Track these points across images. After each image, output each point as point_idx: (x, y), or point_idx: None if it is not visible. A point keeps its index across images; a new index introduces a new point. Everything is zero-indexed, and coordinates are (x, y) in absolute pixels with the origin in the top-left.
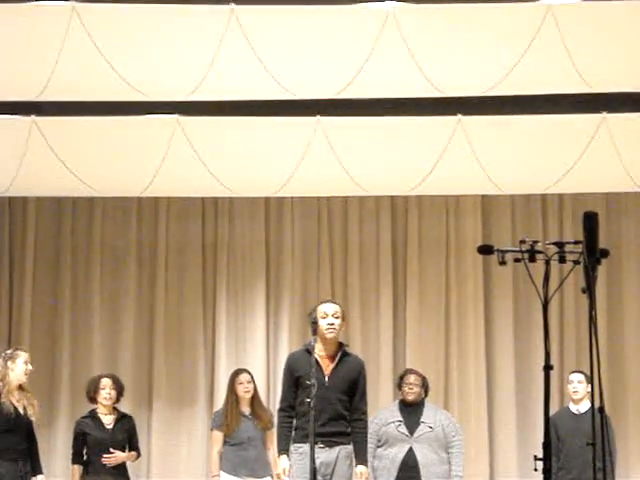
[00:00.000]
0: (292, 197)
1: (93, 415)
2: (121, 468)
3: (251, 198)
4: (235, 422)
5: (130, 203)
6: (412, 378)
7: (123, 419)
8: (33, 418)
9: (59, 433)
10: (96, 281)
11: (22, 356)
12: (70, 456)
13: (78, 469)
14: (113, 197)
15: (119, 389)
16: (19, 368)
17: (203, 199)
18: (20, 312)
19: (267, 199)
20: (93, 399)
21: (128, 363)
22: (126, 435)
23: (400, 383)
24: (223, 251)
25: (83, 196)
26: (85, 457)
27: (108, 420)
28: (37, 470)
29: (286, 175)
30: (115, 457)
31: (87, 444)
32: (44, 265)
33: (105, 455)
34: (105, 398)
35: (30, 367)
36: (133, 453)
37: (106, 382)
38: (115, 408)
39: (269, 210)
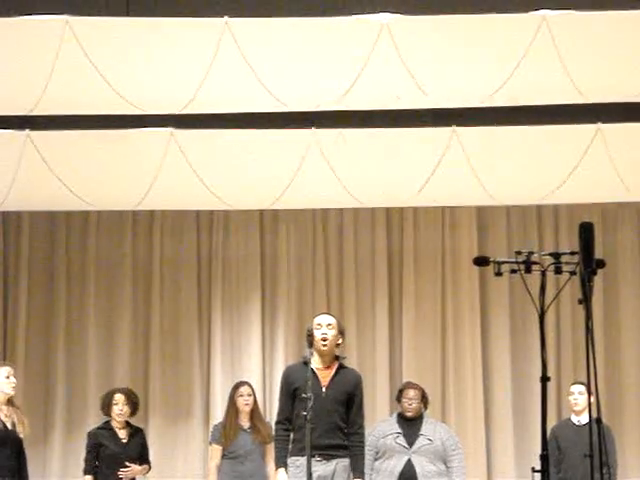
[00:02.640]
0: (287, 210)
1: (108, 427)
2: None
3: (246, 211)
4: (233, 434)
5: (124, 217)
6: (411, 393)
7: (137, 433)
8: (22, 435)
9: (54, 449)
10: (91, 295)
11: (2, 370)
12: (82, 466)
13: (90, 479)
14: (107, 211)
15: (133, 404)
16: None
17: (198, 212)
18: (14, 327)
19: (262, 212)
20: (107, 413)
21: (123, 378)
22: (140, 449)
23: (399, 397)
24: (218, 264)
25: (77, 210)
26: (96, 469)
27: (123, 434)
28: None
29: (281, 187)
30: (132, 470)
31: (101, 456)
32: (38, 280)
33: (122, 469)
34: (118, 414)
35: (13, 380)
36: (146, 466)
37: (119, 398)
38: (128, 422)
39: (264, 223)
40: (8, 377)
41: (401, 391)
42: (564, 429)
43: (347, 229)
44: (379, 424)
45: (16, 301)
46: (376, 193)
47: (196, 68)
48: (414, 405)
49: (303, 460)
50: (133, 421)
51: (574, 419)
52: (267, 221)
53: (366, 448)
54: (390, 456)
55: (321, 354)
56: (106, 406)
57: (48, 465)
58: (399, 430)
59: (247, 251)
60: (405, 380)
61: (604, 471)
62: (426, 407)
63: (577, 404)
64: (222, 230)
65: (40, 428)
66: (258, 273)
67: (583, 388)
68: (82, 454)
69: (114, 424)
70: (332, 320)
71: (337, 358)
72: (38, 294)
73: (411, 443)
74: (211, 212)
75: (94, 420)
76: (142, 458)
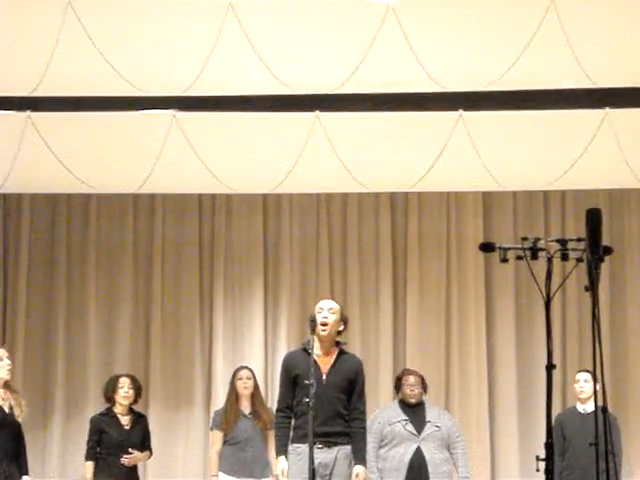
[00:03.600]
0: (291, 194)
1: (111, 414)
2: (133, 467)
3: (249, 195)
4: (234, 420)
5: (126, 200)
6: (412, 379)
7: (140, 419)
8: (20, 419)
9: (54, 433)
10: (92, 279)
11: None
12: (84, 451)
13: (92, 465)
14: (109, 194)
15: (137, 389)
16: None
17: (200, 196)
18: (14, 310)
19: (265, 196)
20: (111, 398)
21: (124, 363)
22: (142, 436)
23: (398, 384)
24: (220, 249)
25: (78, 193)
26: (98, 456)
27: (126, 420)
28: (23, 471)
29: (284, 171)
30: (134, 457)
31: (103, 442)
32: (39, 263)
33: (125, 456)
34: (123, 397)
35: (7, 362)
36: (147, 452)
37: (124, 381)
38: (131, 408)
39: (267, 207)
40: (2, 359)
41: (400, 378)
42: (569, 417)
43: (351, 214)
44: (382, 411)
45: (16, 284)
46: (381, 177)
47: (199, 50)
48: (416, 391)
49: (304, 447)
50: (134, 407)
51: (579, 407)
52: (270, 206)
53: (370, 435)
54: (398, 443)
55: (320, 340)
56: (111, 390)
57: (48, 449)
58: (405, 417)
59: (250, 236)
60: (408, 367)
61: (609, 460)
62: (425, 392)
63: (583, 392)
64: (224, 214)
65: (39, 412)
66: (261, 258)
67: (589, 376)
68: (82, 438)
69: (117, 410)
70: (334, 305)
71: (338, 344)
72: (38, 277)
73: (419, 430)
74: (213, 196)
75: (94, 405)
76: (144, 444)
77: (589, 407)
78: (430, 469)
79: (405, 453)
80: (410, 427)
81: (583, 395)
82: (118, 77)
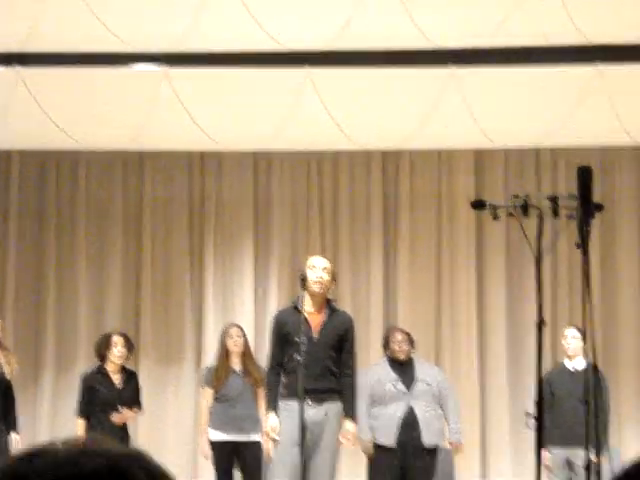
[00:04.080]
0: (281, 152)
1: (102, 372)
2: (124, 424)
3: (239, 153)
4: (224, 377)
5: (115, 158)
6: (399, 336)
7: (131, 376)
8: (9, 376)
9: (45, 390)
10: (81, 237)
11: None
12: (75, 409)
13: (83, 423)
14: (97, 152)
15: (130, 346)
16: None
17: (190, 154)
18: (4, 269)
19: (255, 154)
20: (103, 356)
21: (114, 320)
22: (133, 393)
23: (386, 342)
24: (210, 207)
25: (67, 150)
26: (89, 413)
27: (117, 378)
28: (12, 428)
29: (275, 128)
30: (124, 415)
31: (94, 400)
32: (28, 220)
33: (115, 413)
34: (117, 356)
35: None
36: (136, 409)
37: (118, 339)
38: (122, 366)
39: (257, 166)
40: None
41: (387, 336)
42: (558, 375)
43: (342, 172)
44: (371, 369)
45: (6, 241)
46: (372, 134)
47: (189, 5)
48: (404, 347)
49: (294, 404)
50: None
51: (568, 364)
52: (260, 164)
53: (361, 395)
54: (389, 402)
55: (314, 297)
56: (104, 348)
57: (38, 406)
58: (395, 375)
59: (240, 194)
60: (399, 324)
61: (599, 417)
62: (413, 348)
63: (570, 348)
64: (214, 172)
65: (30, 369)
66: (251, 216)
67: (577, 332)
68: (73, 395)
69: (109, 368)
70: (328, 264)
71: (328, 301)
72: (28, 235)
73: (409, 388)
74: (203, 154)
75: (84, 362)
76: (135, 401)
77: (578, 364)
78: (422, 426)
79: (396, 411)
80: (400, 386)
81: (570, 352)
82: (107, 33)
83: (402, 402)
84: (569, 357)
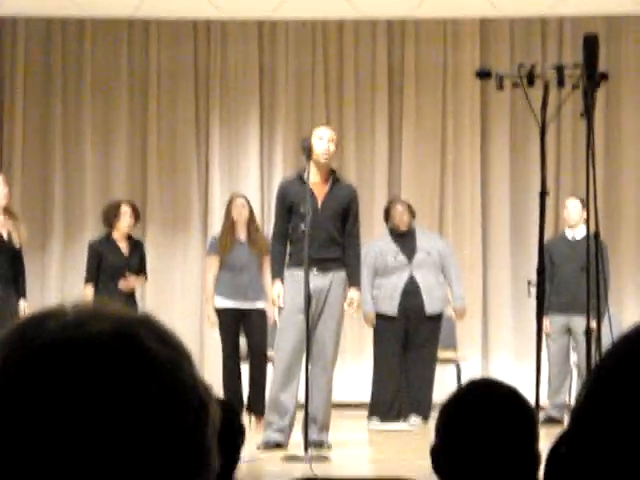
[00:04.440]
0: (286, 21)
1: (110, 239)
2: (131, 292)
3: (244, 21)
4: (229, 246)
5: (120, 26)
6: (400, 207)
7: (137, 245)
8: (17, 244)
9: (53, 257)
10: (87, 106)
11: None
12: (84, 276)
13: (91, 289)
14: (103, 20)
15: (137, 215)
16: None
17: (195, 23)
18: (11, 137)
19: (260, 23)
20: (111, 224)
21: (121, 189)
22: (140, 261)
23: (387, 214)
24: (216, 76)
25: (73, 18)
26: (97, 279)
27: (124, 246)
28: (20, 294)
29: None
30: (131, 282)
31: (102, 267)
32: (34, 90)
33: (122, 280)
34: (126, 226)
35: (3, 188)
36: (143, 277)
37: (126, 209)
38: (129, 234)
39: (262, 35)
40: None
41: (388, 209)
42: (558, 244)
43: (347, 42)
44: (374, 243)
45: (12, 110)
46: (376, 3)
47: None
48: (405, 218)
49: (300, 272)
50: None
51: (568, 234)
52: (265, 33)
53: (364, 268)
54: (391, 273)
55: (319, 167)
56: (112, 217)
57: (47, 272)
58: (396, 247)
59: (245, 63)
60: (402, 196)
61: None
62: (414, 218)
63: (571, 218)
64: (220, 41)
65: (38, 237)
66: (256, 86)
67: (578, 202)
68: (80, 263)
69: (116, 236)
70: (334, 135)
71: (333, 172)
72: (34, 104)
73: (410, 258)
74: (208, 23)
75: (92, 229)
76: (140, 268)
77: (578, 233)
78: (424, 294)
79: (398, 281)
80: (401, 257)
81: (571, 221)
82: None
83: (404, 272)
84: (570, 227)
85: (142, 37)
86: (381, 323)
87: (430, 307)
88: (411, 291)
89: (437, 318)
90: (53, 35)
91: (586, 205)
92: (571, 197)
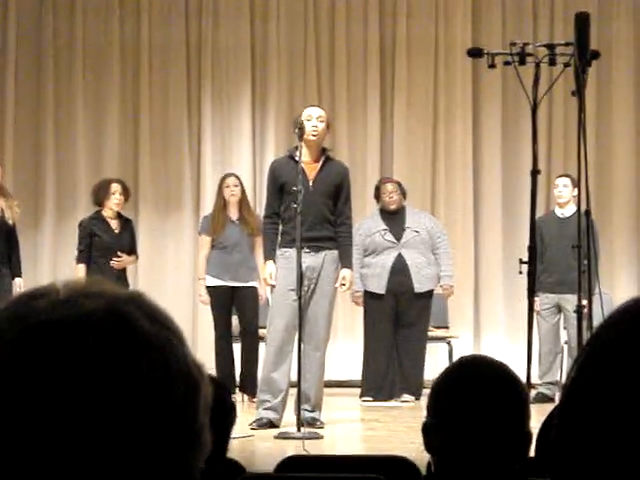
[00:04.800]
0: None
1: (101, 217)
2: (123, 271)
3: None
4: (221, 226)
5: (111, 4)
6: (390, 187)
7: (127, 223)
8: (11, 221)
9: (45, 235)
10: (79, 82)
11: None
12: (76, 255)
13: (84, 268)
14: None
15: (127, 193)
16: None
17: (187, 0)
18: (2, 113)
19: (252, 0)
20: (101, 202)
21: (113, 167)
22: (130, 239)
23: (377, 193)
24: (207, 53)
25: None
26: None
27: (115, 224)
28: (15, 272)
29: None
30: (123, 260)
31: (94, 246)
32: (26, 65)
33: (115, 259)
34: (116, 204)
35: None
36: (134, 257)
37: (116, 187)
38: (119, 212)
39: (254, 11)
40: None
41: (378, 187)
42: (548, 221)
43: (339, 18)
44: (364, 221)
45: (3, 86)
46: None
47: None
48: (395, 197)
49: (292, 251)
50: (123, 211)
51: (558, 212)
52: (257, 10)
53: (354, 246)
54: (380, 252)
55: (309, 146)
56: (102, 195)
57: (39, 250)
58: (385, 226)
59: (237, 39)
60: (393, 174)
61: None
62: (405, 198)
63: (561, 196)
64: (211, 17)
65: (31, 215)
66: (248, 63)
67: (568, 180)
68: (73, 241)
69: (106, 214)
70: (322, 113)
71: (324, 151)
72: (26, 82)
73: (398, 237)
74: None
75: (84, 207)
76: (131, 248)
77: (567, 211)
78: (412, 273)
79: (387, 260)
80: (389, 236)
81: (562, 200)
82: None
83: (393, 251)
84: (560, 205)
85: (134, 15)
86: (370, 302)
87: (419, 286)
88: (399, 270)
89: (426, 296)
90: (44, 13)
91: (577, 183)
92: (561, 176)
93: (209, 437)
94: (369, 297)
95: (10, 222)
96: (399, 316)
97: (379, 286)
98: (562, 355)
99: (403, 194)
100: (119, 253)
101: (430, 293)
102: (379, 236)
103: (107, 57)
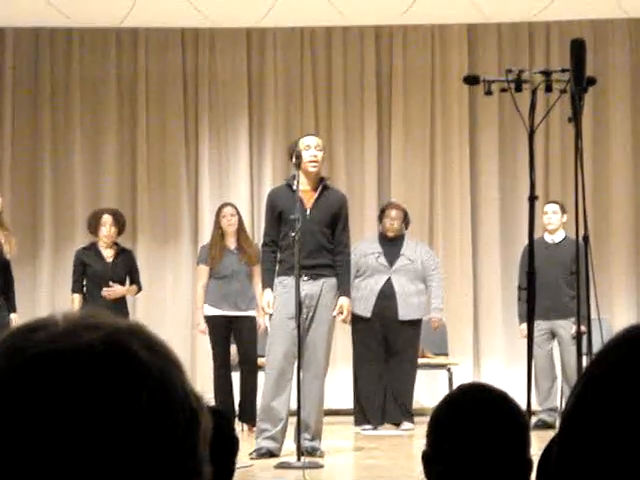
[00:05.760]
0: (274, 28)
1: (94, 247)
2: (121, 302)
3: (232, 29)
4: (219, 255)
5: (108, 36)
6: (394, 213)
7: (123, 253)
8: (8, 256)
9: (43, 267)
10: (76, 115)
11: None
12: (71, 286)
13: (78, 298)
14: (91, 29)
15: (120, 225)
16: None
17: (183, 30)
18: (0, 146)
19: (249, 30)
20: (94, 232)
21: (111, 198)
22: (127, 269)
23: (381, 216)
24: (204, 84)
25: (61, 28)
26: (84, 289)
27: (108, 254)
28: (10, 309)
29: (267, 4)
30: (114, 290)
31: (87, 276)
32: (23, 99)
33: (105, 288)
34: (105, 235)
35: None
36: (133, 287)
37: (107, 219)
38: (115, 243)
39: (251, 43)
40: None
41: (383, 211)
42: (537, 248)
43: (336, 49)
44: (360, 243)
45: (1, 119)
46: (364, 9)
47: None
48: (395, 225)
49: (290, 279)
50: (121, 242)
51: (547, 238)
52: (254, 41)
53: None
54: (370, 275)
55: (308, 176)
56: (93, 226)
57: (37, 281)
58: (380, 250)
59: (234, 71)
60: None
61: (580, 287)
62: (407, 227)
63: (551, 223)
64: (208, 49)
65: (28, 247)
66: (245, 94)
67: (557, 207)
68: (70, 270)
69: (100, 244)
70: (320, 142)
71: (322, 180)
72: (23, 115)
73: (392, 263)
74: (197, 30)
75: (82, 238)
76: (130, 279)
77: (557, 237)
78: (399, 300)
79: (376, 284)
80: (382, 260)
81: (551, 226)
82: None
83: (383, 275)
84: (549, 232)
85: (130, 46)
86: (357, 325)
87: (403, 312)
88: (387, 295)
89: (414, 325)
90: (41, 45)
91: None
92: (550, 202)
93: (209, 468)
94: (356, 320)
95: (7, 256)
96: (388, 343)
97: (365, 309)
98: (557, 381)
99: (406, 223)
100: (110, 283)
101: (418, 322)
102: (373, 258)
103: (104, 89)
